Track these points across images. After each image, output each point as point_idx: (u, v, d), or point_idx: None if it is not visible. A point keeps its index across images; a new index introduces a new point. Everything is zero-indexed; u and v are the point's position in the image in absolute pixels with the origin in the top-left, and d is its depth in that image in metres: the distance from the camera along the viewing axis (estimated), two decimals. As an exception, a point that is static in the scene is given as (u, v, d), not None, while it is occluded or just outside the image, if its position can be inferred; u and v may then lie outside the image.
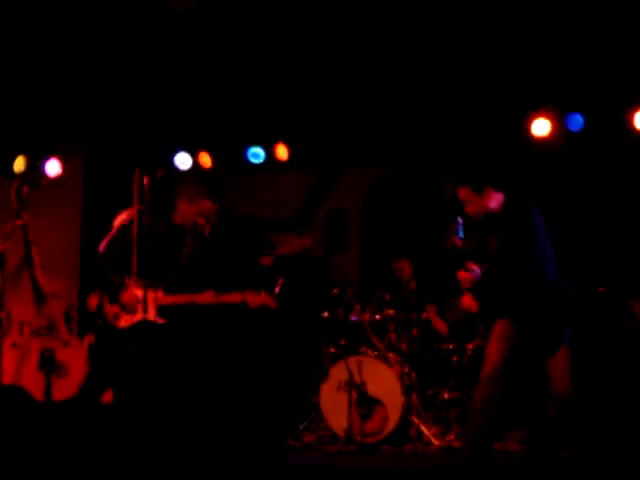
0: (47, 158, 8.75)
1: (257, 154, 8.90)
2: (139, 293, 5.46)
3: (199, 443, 5.15)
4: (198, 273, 5.59)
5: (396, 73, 7.86)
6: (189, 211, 5.61)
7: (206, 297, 5.42)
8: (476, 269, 5.29)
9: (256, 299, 5.51)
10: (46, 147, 8.78)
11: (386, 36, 7.37)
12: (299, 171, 9.46)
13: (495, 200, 5.48)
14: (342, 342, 7.36)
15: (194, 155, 9.00)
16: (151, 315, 5.44)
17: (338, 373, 6.83)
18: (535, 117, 7.96)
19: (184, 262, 5.60)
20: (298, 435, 6.99)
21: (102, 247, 5.63)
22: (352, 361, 6.81)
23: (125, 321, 5.49)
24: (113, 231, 5.90)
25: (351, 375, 6.72)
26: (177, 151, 8.99)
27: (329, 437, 6.88)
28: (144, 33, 7.47)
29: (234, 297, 5.49)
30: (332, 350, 7.32)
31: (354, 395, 6.71)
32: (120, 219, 6.00)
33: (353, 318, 7.46)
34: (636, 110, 7.62)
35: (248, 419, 5.53)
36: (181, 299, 5.43)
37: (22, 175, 8.44)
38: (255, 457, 5.24)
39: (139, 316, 5.46)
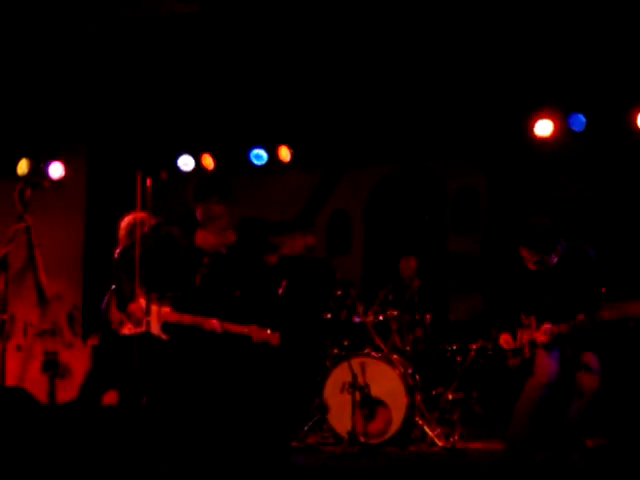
0: (50, 161, 8.77)
1: (260, 156, 8.91)
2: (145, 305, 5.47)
3: (203, 445, 5.15)
4: (208, 297, 5.60)
5: (398, 74, 7.86)
6: (215, 240, 5.61)
7: (212, 324, 5.44)
8: (549, 328, 5.43)
9: (261, 335, 5.51)
10: (49, 150, 8.79)
11: (388, 38, 7.38)
12: (302, 172, 9.47)
13: (558, 254, 5.57)
14: (345, 343, 7.35)
15: (197, 157, 9.01)
16: (155, 329, 5.45)
17: (341, 374, 6.82)
18: (538, 117, 7.96)
19: (197, 283, 5.60)
20: (302, 436, 6.98)
21: (117, 254, 5.63)
22: (355, 362, 6.80)
23: (128, 329, 5.49)
24: (123, 236, 5.90)
25: (355, 376, 6.71)
26: (180, 153, 9.00)
27: (333, 438, 6.87)
28: (147, 36, 7.49)
29: (239, 329, 5.50)
30: (335, 351, 7.31)
31: (358, 396, 6.69)
32: (126, 221, 6.00)
33: (356, 319, 7.45)
34: (639, 110, 7.62)
35: (252, 421, 5.54)
36: (187, 319, 5.44)
37: (25, 178, 8.45)
38: (259, 458, 5.25)
39: (143, 328, 5.44)
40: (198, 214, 6.20)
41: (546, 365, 5.47)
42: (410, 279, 7.99)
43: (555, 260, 5.55)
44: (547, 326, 5.44)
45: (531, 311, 5.57)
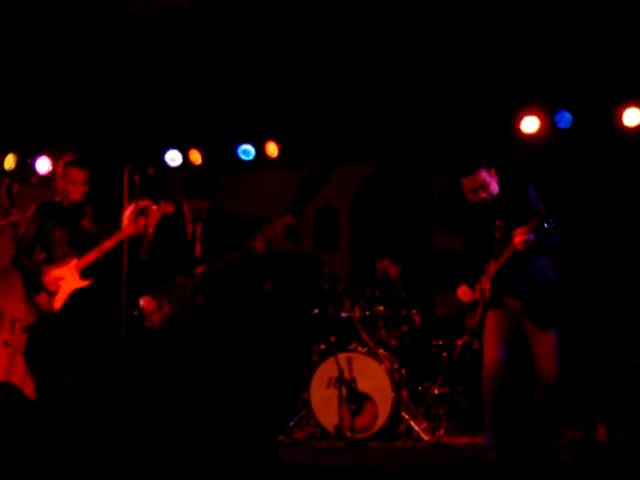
0: (37, 156, 8.76)
1: (247, 151, 8.92)
2: (57, 271, 5.81)
3: (189, 439, 5.17)
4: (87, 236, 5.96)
5: (385, 71, 7.89)
6: (60, 183, 6.05)
7: (107, 244, 5.77)
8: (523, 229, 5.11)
9: (130, 229, 5.71)
10: (36, 145, 8.78)
11: (376, 35, 7.40)
12: (289, 168, 9.48)
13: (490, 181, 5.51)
14: (332, 338, 7.38)
15: (184, 152, 9.01)
16: (77, 284, 5.77)
17: (328, 369, 6.85)
18: (524, 114, 8.00)
19: (85, 229, 5.94)
20: (288, 431, 7.00)
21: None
22: (342, 357, 6.82)
23: (58, 301, 5.77)
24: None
25: (341, 371, 6.73)
26: (167, 148, 9.00)
27: (319, 433, 6.89)
28: (135, 31, 7.49)
29: (120, 235, 5.76)
30: (322, 346, 7.34)
31: (344, 391, 6.72)
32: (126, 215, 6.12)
33: (343, 314, 7.48)
34: (624, 107, 7.67)
35: (239, 416, 5.55)
36: (91, 256, 5.80)
37: (12, 173, 8.45)
38: (245, 453, 5.26)
39: (69, 289, 5.77)
40: (185, 209, 6.23)
41: (488, 353, 5.33)
42: (394, 276, 7.99)
43: (492, 190, 5.42)
44: (518, 230, 5.10)
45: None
